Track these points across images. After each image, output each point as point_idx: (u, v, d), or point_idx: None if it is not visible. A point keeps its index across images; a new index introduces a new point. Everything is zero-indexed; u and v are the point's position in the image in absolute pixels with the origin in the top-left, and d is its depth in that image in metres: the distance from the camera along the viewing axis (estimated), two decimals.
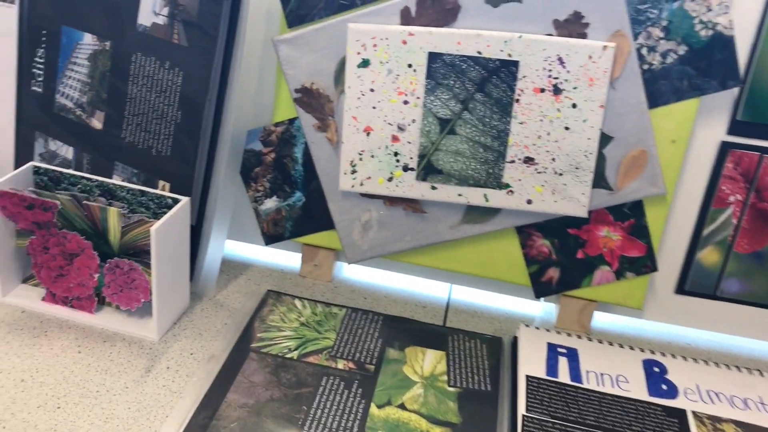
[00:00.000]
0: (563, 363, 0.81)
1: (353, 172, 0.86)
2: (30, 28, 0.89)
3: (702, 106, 0.81)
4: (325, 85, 0.85)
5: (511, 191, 0.83)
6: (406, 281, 0.96)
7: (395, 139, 0.84)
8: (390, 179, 0.85)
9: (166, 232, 0.76)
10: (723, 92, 0.79)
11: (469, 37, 0.79)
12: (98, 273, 0.80)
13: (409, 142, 0.83)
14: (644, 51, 0.79)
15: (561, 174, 0.82)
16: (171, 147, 0.83)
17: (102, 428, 0.68)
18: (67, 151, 0.90)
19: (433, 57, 0.80)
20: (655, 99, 0.80)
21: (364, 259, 0.91)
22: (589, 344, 0.85)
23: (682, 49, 0.78)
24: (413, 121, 0.83)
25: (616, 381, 0.80)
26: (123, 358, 0.77)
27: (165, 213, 0.78)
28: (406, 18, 0.80)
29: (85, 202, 0.77)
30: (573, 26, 0.78)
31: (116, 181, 0.82)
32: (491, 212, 0.86)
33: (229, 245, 0.99)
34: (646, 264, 0.86)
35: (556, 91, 0.79)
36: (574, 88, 0.78)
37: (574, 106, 0.79)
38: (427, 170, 0.84)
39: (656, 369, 0.82)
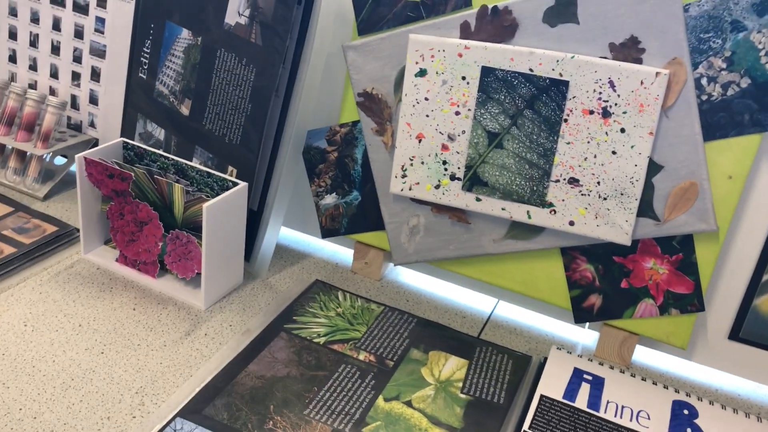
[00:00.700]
0: (584, 389, 0.80)
1: (403, 176, 0.89)
2: (141, 22, 1.00)
3: (765, 143, 0.77)
4: (385, 92, 0.89)
5: (554, 210, 0.83)
6: (454, 291, 0.98)
7: (445, 148, 0.86)
8: (437, 187, 0.88)
9: (218, 211, 0.83)
10: None
11: (522, 54, 0.80)
12: (162, 242, 0.89)
13: (458, 152, 0.86)
14: (704, 81, 0.76)
15: (605, 198, 0.81)
16: (240, 136, 0.91)
17: (133, 376, 0.76)
18: (160, 133, 1.01)
19: (486, 71, 0.82)
20: (712, 131, 0.77)
21: (409, 262, 0.94)
22: (620, 376, 0.83)
23: (745, 82, 0.75)
24: (463, 132, 0.85)
25: (637, 415, 0.77)
26: (169, 320, 0.85)
27: None
28: (466, 32, 0.83)
29: (156, 176, 0.86)
30: (629, 51, 0.77)
31: (189, 162, 0.91)
32: (535, 230, 0.86)
33: (292, 235, 1.06)
34: (692, 302, 0.83)
35: (605, 114, 0.78)
36: (624, 112, 0.77)
37: (622, 130, 0.78)
38: (473, 181, 0.86)
39: (686, 411, 0.79)
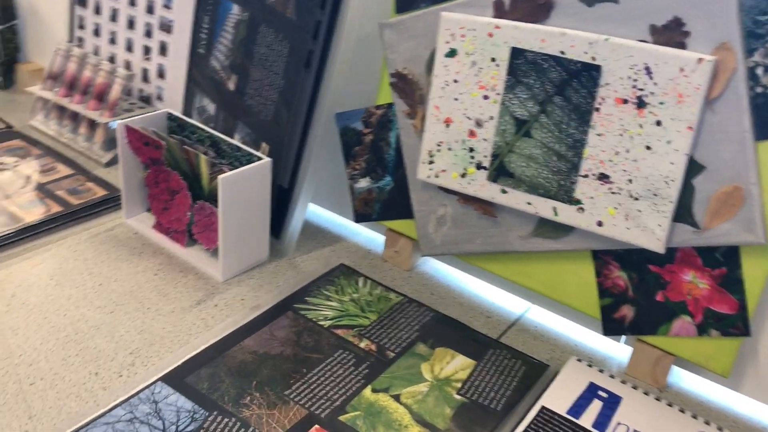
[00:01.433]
0: (594, 407, 0.72)
1: (431, 162, 0.85)
2: None
3: None
4: (417, 73, 0.85)
5: (581, 208, 0.76)
6: (484, 289, 0.92)
7: (472, 134, 0.81)
8: (463, 175, 0.83)
9: (235, 184, 0.83)
10: None
11: (553, 35, 0.73)
12: (190, 212, 0.90)
13: (485, 140, 0.80)
14: (759, 71, 0.66)
15: (637, 198, 0.72)
16: (273, 113, 0.90)
17: (133, 337, 0.77)
18: (211, 108, 1.02)
19: (516, 53, 0.76)
20: (765, 130, 0.67)
21: (436, 253, 0.90)
22: (642, 397, 0.74)
23: None
24: (491, 117, 0.79)
25: None
26: (185, 288, 0.86)
27: None
28: (500, 11, 0.78)
29: (184, 146, 0.88)
30: (671, 34, 0.69)
31: (223, 136, 0.91)
32: (564, 229, 0.79)
33: (330, 217, 1.05)
34: (735, 324, 0.73)
35: (640, 104, 0.70)
36: (661, 103, 0.69)
37: (658, 123, 0.70)
38: (499, 171, 0.80)
39: None
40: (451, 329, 0.83)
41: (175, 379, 0.72)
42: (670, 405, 0.74)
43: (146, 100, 1.16)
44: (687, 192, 0.71)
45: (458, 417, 0.71)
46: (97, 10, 1.18)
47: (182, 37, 1.08)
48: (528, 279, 0.85)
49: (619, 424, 0.70)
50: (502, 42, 0.77)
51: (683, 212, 0.72)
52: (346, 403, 0.71)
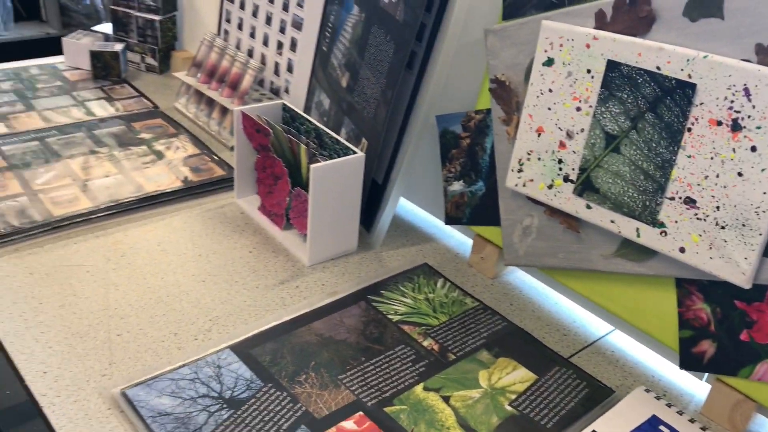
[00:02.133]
0: None
1: (520, 170, 0.84)
2: None
3: None
4: (516, 80, 0.84)
5: (665, 232, 0.72)
6: (568, 306, 0.90)
7: (562, 145, 0.79)
8: (550, 186, 0.81)
9: (326, 174, 0.86)
10: None
11: (650, 49, 0.70)
12: (289, 197, 0.95)
13: (574, 152, 0.78)
14: None
15: (724, 227, 0.68)
16: (374, 110, 0.93)
17: (216, 306, 0.83)
18: (327, 103, 1.07)
19: (612, 65, 0.74)
20: None
21: (519, 264, 0.88)
22: None
23: None
24: (582, 130, 0.77)
25: None
26: (274, 268, 0.91)
27: None
28: (601, 22, 0.75)
29: (289, 135, 0.93)
30: None
31: (326, 129, 0.95)
32: (647, 252, 0.75)
33: (425, 217, 1.06)
34: None
35: (735, 127, 0.66)
36: (758, 127, 0.64)
37: (753, 149, 0.65)
38: (585, 186, 0.78)
39: None
40: (520, 341, 0.82)
41: (242, 348, 0.76)
42: None
43: (276, 92, 1.24)
44: None
45: (504, 427, 0.70)
46: (242, 6, 1.27)
47: (310, 35, 1.14)
48: (608, 300, 0.82)
49: None
50: (598, 54, 0.75)
51: None
52: (395, 396, 0.72)
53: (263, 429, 0.67)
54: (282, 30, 1.19)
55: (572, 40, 0.77)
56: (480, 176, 0.92)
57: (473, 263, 0.96)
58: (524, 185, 0.84)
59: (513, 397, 0.74)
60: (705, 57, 0.67)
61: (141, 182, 1.05)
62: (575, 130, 0.78)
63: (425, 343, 0.80)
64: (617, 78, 0.74)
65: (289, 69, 1.20)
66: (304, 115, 0.98)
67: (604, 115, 0.75)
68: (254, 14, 1.25)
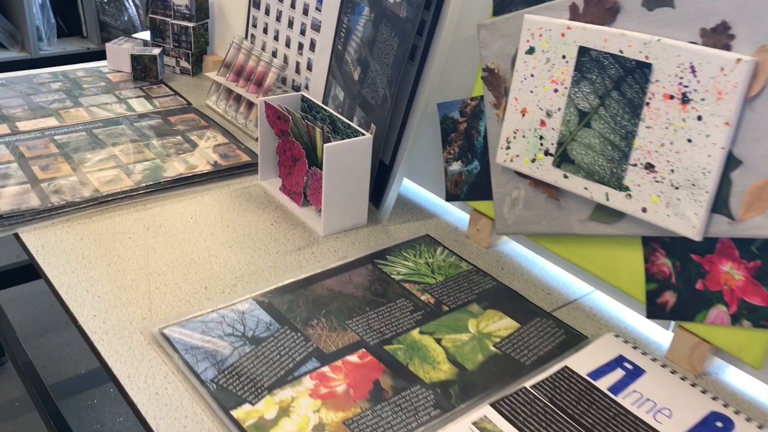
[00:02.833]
0: (616, 374, 0.78)
1: (507, 148, 0.95)
2: (344, 1, 1.20)
3: None
4: (504, 68, 0.95)
5: (629, 195, 0.82)
6: (553, 270, 1.00)
7: (543, 123, 0.90)
8: (533, 160, 0.92)
9: (337, 153, 0.98)
10: None
11: (614, 35, 0.81)
12: (306, 176, 1.07)
13: (553, 129, 0.89)
14: None
15: (677, 188, 0.78)
16: (381, 98, 1.05)
17: (241, 266, 0.95)
18: (341, 96, 1.19)
19: (583, 51, 0.84)
20: None
21: (508, 233, 0.99)
22: (665, 374, 0.79)
23: None
24: (559, 109, 0.88)
25: (656, 410, 0.74)
26: (292, 237, 1.03)
27: None
28: (574, 14, 0.87)
29: (306, 121, 1.05)
30: (718, 36, 0.74)
31: (341, 117, 1.07)
32: (616, 215, 0.86)
33: (428, 197, 1.18)
34: (767, 317, 0.75)
35: (684, 100, 0.76)
36: (702, 99, 0.75)
37: (699, 118, 0.75)
38: (563, 158, 0.88)
39: (718, 424, 0.73)
40: (507, 297, 0.93)
41: (263, 299, 0.88)
42: (693, 385, 0.78)
43: (297, 89, 1.36)
44: (725, 185, 0.76)
45: (487, 363, 0.80)
46: (267, 12, 1.40)
47: (327, 35, 1.26)
48: (586, 261, 0.92)
49: (634, 391, 0.76)
50: (572, 41, 0.86)
51: (720, 204, 0.76)
52: (394, 338, 0.83)
53: (279, 360, 0.78)
54: (302, 32, 1.32)
55: (550, 30, 0.88)
56: (475, 156, 1.03)
57: (470, 235, 1.07)
58: (511, 161, 0.95)
59: (497, 340, 0.84)
60: (659, 40, 0.78)
61: (176, 166, 1.17)
62: (553, 109, 0.89)
63: (423, 298, 0.91)
64: (587, 62, 0.84)
65: (309, 67, 1.32)
66: (321, 104, 1.10)
67: (577, 95, 0.86)
68: (278, 19, 1.38)
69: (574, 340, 0.86)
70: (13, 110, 1.34)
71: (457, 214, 1.14)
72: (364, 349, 0.81)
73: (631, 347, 0.83)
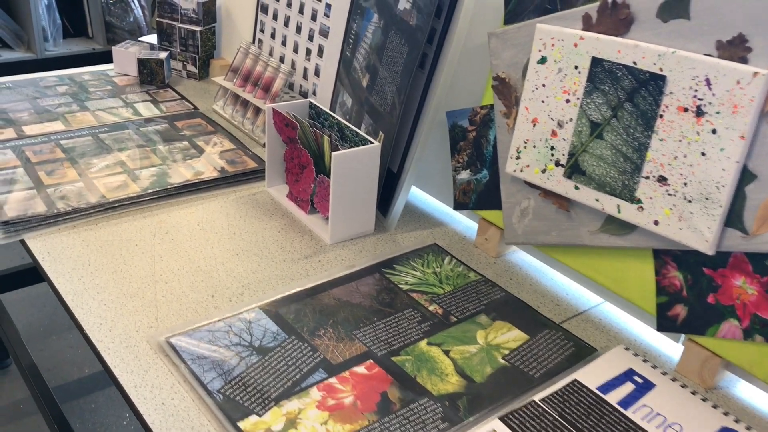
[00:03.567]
0: (626, 388, 0.78)
1: (517, 158, 0.94)
2: (354, 8, 1.19)
3: None
4: (515, 77, 0.95)
5: (641, 207, 0.82)
6: (563, 281, 0.99)
7: (554, 134, 0.89)
8: (543, 171, 0.91)
9: (346, 161, 0.98)
10: None
11: (628, 46, 0.80)
12: (314, 184, 1.07)
13: (564, 139, 0.88)
14: None
15: (690, 201, 0.77)
16: (390, 106, 1.04)
17: (248, 274, 0.94)
18: (349, 102, 1.19)
19: (596, 62, 0.84)
20: None
21: (517, 243, 0.98)
22: (676, 388, 0.78)
23: None
24: (570, 119, 0.87)
25: (667, 425, 0.73)
26: (299, 245, 1.02)
27: None
28: (587, 24, 0.86)
29: (312, 128, 1.04)
30: (735, 49, 0.73)
31: (348, 124, 1.07)
32: (627, 227, 0.85)
33: (436, 204, 1.17)
34: None
35: (699, 113, 0.75)
36: (717, 112, 0.74)
37: (713, 131, 0.74)
38: (574, 169, 0.88)
39: None
40: (516, 308, 0.92)
41: (270, 308, 0.87)
42: (704, 399, 0.77)
43: (304, 95, 1.35)
44: (739, 199, 0.75)
45: (496, 375, 0.80)
46: (275, 17, 1.40)
47: (335, 42, 1.26)
48: (596, 272, 0.91)
49: (644, 405, 0.76)
50: (584, 51, 0.85)
51: (734, 218, 0.75)
52: (401, 349, 0.83)
53: (287, 370, 0.78)
54: (310, 38, 1.31)
55: (562, 40, 0.87)
56: (484, 165, 1.02)
57: (478, 244, 1.06)
58: (521, 171, 0.94)
59: (506, 352, 0.84)
60: (673, 52, 0.77)
61: (183, 172, 1.17)
62: (565, 119, 0.88)
63: (431, 308, 0.90)
64: (600, 72, 0.84)
65: (317, 73, 1.32)
66: (329, 111, 1.10)
67: (589, 106, 0.85)
68: (286, 24, 1.37)
69: (583, 353, 0.85)
70: (20, 114, 1.34)
71: (465, 223, 1.13)
72: (371, 360, 0.81)
73: (641, 360, 0.82)
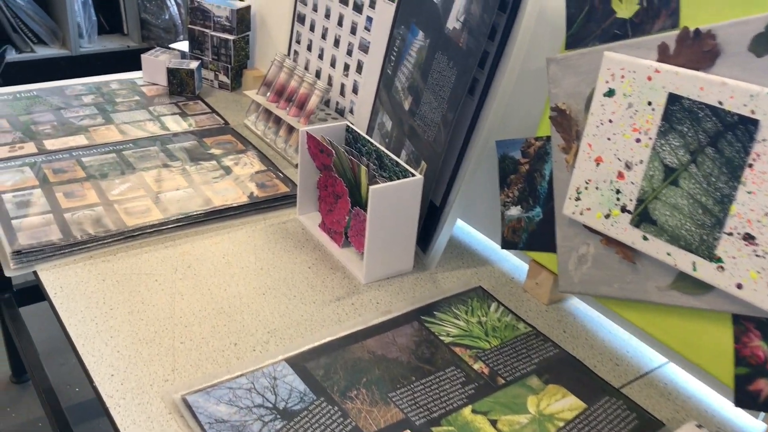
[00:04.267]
0: None
1: (577, 199, 0.84)
2: (396, 21, 1.10)
3: None
4: (576, 109, 0.85)
5: (721, 267, 0.71)
6: (623, 337, 0.89)
7: (620, 176, 0.80)
8: (607, 216, 0.81)
9: (384, 195, 0.89)
10: None
11: (713, 83, 0.70)
12: (348, 216, 0.98)
13: (632, 183, 0.78)
14: None
15: None
16: (434, 134, 0.95)
17: (274, 318, 0.86)
18: (389, 125, 1.10)
19: (673, 99, 0.74)
20: None
21: (573, 292, 0.89)
22: None
23: None
24: (641, 161, 0.77)
25: None
26: (331, 285, 0.93)
27: None
28: (664, 55, 0.76)
29: (349, 156, 0.95)
30: None
31: (387, 151, 0.98)
32: (704, 286, 0.75)
33: (482, 240, 1.07)
34: None
35: None
36: None
37: None
38: (642, 217, 0.78)
39: None
40: (571, 369, 0.82)
41: (297, 362, 0.79)
42: None
43: (341, 112, 1.27)
44: None
45: None
46: (312, 28, 1.31)
47: (376, 58, 1.17)
48: (663, 332, 0.81)
49: None
50: (660, 86, 0.75)
51: None
52: (443, 417, 0.73)
53: None
54: (349, 53, 1.23)
55: (634, 72, 0.77)
56: (538, 202, 0.93)
57: (528, 288, 0.97)
58: (581, 213, 0.85)
59: (561, 424, 0.74)
60: None
61: (209, 196, 1.09)
62: (634, 161, 0.78)
63: (476, 366, 0.81)
64: (678, 111, 0.74)
65: (354, 90, 1.23)
66: (366, 136, 1.01)
67: (664, 148, 0.75)
68: (323, 36, 1.29)
69: (648, 427, 0.75)
70: (42, 126, 1.27)
71: (513, 262, 1.03)
72: (408, 431, 0.72)
73: None
